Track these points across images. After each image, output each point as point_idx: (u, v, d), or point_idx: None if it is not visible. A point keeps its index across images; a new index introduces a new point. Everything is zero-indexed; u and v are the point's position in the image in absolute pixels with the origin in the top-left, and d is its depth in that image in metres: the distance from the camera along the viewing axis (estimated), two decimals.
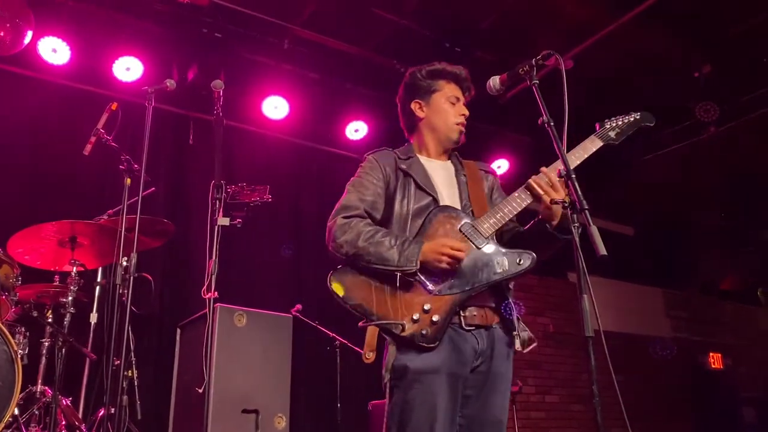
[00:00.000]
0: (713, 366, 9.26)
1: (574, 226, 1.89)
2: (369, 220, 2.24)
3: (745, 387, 9.46)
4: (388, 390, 2.09)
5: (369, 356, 2.05)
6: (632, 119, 2.39)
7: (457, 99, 2.50)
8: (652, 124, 2.43)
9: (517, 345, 2.18)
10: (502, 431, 2.16)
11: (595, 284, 1.82)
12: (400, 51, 5.54)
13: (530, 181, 2.19)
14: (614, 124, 2.37)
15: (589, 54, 5.45)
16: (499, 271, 2.14)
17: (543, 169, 2.19)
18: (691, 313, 9.61)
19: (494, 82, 2.37)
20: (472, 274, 2.13)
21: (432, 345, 2.02)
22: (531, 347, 2.20)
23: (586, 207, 1.88)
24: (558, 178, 2.11)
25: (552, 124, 2.08)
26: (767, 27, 5.34)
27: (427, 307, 2.06)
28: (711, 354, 9.33)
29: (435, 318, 2.05)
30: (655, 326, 9.02)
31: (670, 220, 8.96)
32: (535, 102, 2.16)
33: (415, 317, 2.05)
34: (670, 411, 8.37)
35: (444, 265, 2.09)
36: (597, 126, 2.39)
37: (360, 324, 2.09)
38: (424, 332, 2.03)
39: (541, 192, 2.15)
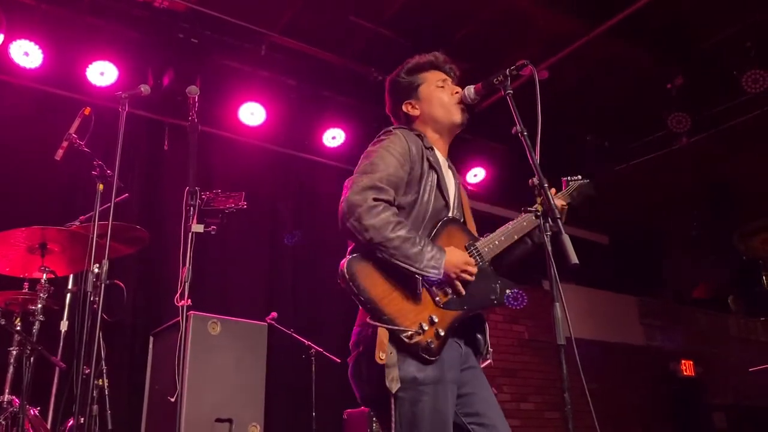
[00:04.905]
0: (685, 373, 9.38)
1: (546, 235, 1.91)
2: (396, 210, 2.12)
3: (717, 394, 9.60)
4: (392, 400, 1.97)
5: (383, 357, 1.94)
6: (584, 183, 2.53)
7: (444, 81, 2.46)
8: (593, 194, 2.55)
9: (489, 359, 2.24)
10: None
11: (570, 292, 1.84)
12: (377, 58, 5.56)
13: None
14: (576, 185, 2.51)
15: (563, 65, 5.51)
16: (492, 297, 2.19)
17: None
18: (664, 320, 9.74)
19: (469, 91, 2.38)
20: (472, 296, 2.13)
21: (434, 359, 1.99)
22: (486, 363, 2.27)
23: (559, 216, 1.90)
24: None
25: (525, 134, 2.10)
26: (738, 41, 5.46)
27: (435, 318, 2.03)
28: (683, 361, 9.45)
29: (441, 332, 2.02)
30: (628, 334, 9.12)
31: (643, 229, 9.10)
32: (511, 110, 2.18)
33: (423, 326, 2.01)
34: (643, 418, 8.46)
35: (457, 283, 2.09)
36: (564, 182, 2.50)
37: (368, 320, 2.01)
38: (431, 344, 2.00)
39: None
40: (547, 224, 1.93)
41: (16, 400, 3.19)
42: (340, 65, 5.71)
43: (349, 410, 4.85)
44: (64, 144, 3.10)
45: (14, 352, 3.32)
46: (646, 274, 9.32)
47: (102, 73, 4.94)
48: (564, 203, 2.43)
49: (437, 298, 2.07)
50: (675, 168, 7.13)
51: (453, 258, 2.08)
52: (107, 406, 3.61)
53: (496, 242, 2.25)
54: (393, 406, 1.97)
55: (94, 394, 3.38)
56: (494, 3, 5.08)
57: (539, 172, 2.02)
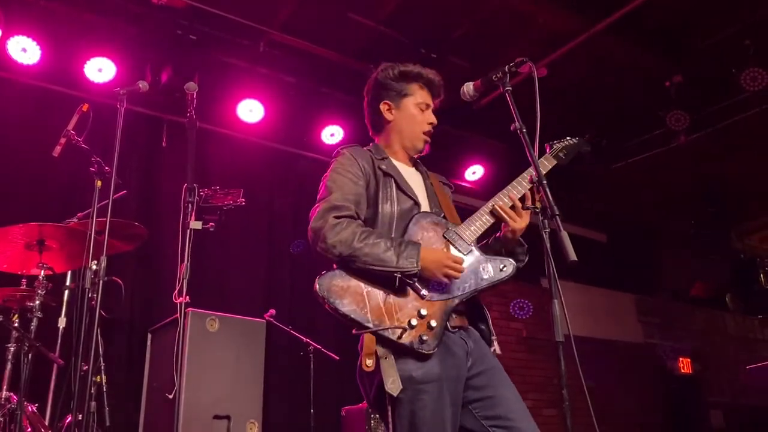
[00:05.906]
0: (683, 371, 9.40)
1: (544, 232, 1.91)
2: (361, 222, 2.18)
3: (714, 391, 9.62)
4: (389, 402, 1.97)
5: (369, 364, 1.95)
6: (574, 142, 2.49)
7: (427, 106, 2.46)
8: (588, 150, 2.55)
9: (496, 347, 2.21)
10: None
11: (568, 290, 1.83)
12: (376, 56, 5.53)
13: (495, 206, 2.25)
14: (561, 146, 2.47)
15: (561, 63, 5.51)
16: (485, 277, 2.16)
17: (511, 194, 2.24)
18: (662, 318, 9.75)
19: (468, 88, 2.38)
20: (461, 280, 2.12)
21: (431, 352, 1.98)
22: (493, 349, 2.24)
23: (557, 213, 1.90)
24: (518, 202, 2.20)
25: (524, 130, 2.10)
26: (736, 40, 5.46)
27: (423, 311, 2.02)
28: (681, 359, 9.47)
29: (433, 323, 2.01)
30: (627, 331, 9.14)
31: (642, 227, 9.11)
32: (509, 107, 2.18)
33: (412, 322, 2.00)
34: (641, 415, 8.46)
35: (444, 279, 2.08)
36: (547, 147, 2.47)
37: (354, 331, 2.01)
38: (424, 338, 1.98)
39: (506, 217, 2.22)
40: (546, 221, 1.93)
41: (14, 397, 3.19)
42: (339, 62, 5.69)
43: (347, 407, 4.86)
44: (62, 140, 3.09)
45: (12, 349, 3.31)
46: (644, 272, 9.33)
47: (100, 70, 4.94)
48: (549, 165, 2.41)
49: (423, 292, 2.07)
50: (673, 166, 7.14)
51: (432, 255, 2.08)
52: (105, 402, 3.60)
53: (478, 223, 2.24)
54: (392, 407, 1.97)
55: (92, 391, 3.38)
56: (493, 1, 5.07)
57: (538, 168, 2.02)
